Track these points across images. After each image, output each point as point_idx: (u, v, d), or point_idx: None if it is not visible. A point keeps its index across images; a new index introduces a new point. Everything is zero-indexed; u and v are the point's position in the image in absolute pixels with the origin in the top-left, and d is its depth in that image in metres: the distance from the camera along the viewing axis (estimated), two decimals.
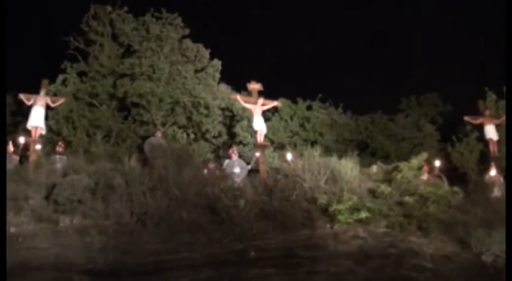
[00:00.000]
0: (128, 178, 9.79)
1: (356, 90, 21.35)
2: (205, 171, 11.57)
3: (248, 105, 12.76)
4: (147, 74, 15.70)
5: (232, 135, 16.78)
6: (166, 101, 15.42)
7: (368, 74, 23.51)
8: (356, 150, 14.88)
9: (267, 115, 16.56)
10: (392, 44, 24.28)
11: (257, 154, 12.18)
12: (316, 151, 10.90)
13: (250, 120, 14.91)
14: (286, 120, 18.02)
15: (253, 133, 13.82)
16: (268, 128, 14.57)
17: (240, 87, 16.29)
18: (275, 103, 13.31)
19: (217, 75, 17.09)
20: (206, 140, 16.19)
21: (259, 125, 12.40)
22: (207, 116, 15.86)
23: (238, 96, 12.95)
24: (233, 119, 16.92)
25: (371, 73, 23.21)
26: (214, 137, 16.42)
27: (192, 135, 15.82)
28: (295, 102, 18.34)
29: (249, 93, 14.11)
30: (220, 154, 16.37)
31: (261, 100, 12.54)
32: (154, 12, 16.34)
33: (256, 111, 12.44)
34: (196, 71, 16.75)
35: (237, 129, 16.61)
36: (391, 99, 18.91)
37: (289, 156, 11.64)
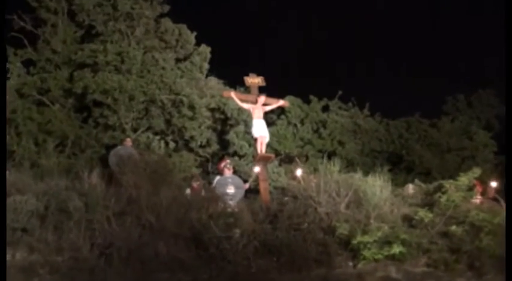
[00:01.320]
0: (87, 200, 9.67)
1: (387, 87, 21.57)
2: (189, 191, 11.46)
3: (246, 105, 12.52)
4: (113, 64, 15.35)
5: (224, 145, 16.50)
6: (139, 99, 15.09)
7: (401, 66, 23.38)
8: (387, 164, 14.85)
9: (270, 118, 16.01)
10: (434, 27, 24.99)
11: (257, 169, 12.00)
12: (335, 165, 10.84)
13: (248, 124, 14.76)
14: (295, 125, 17.57)
15: (252, 142, 13.63)
16: (272, 134, 14.36)
17: (235, 81, 16.02)
18: (281, 102, 13.07)
19: (206, 65, 16.61)
20: (191, 150, 15.94)
21: (260, 131, 12.17)
22: (191, 118, 15.57)
23: (232, 93, 12.63)
24: (226, 123, 16.58)
25: (406, 64, 23.28)
26: (201, 146, 16.11)
27: (172, 144, 15.54)
28: (307, 101, 17.95)
29: (247, 89, 13.97)
30: (209, 168, 16.20)
31: (262, 98, 12.31)
32: None
33: (256, 113, 12.25)
34: (178, 60, 16.57)
35: (231, 136, 16.38)
36: (432, 98, 18.97)
37: (299, 172, 11.43)
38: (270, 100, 12.85)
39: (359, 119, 17.59)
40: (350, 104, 18.07)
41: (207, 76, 16.80)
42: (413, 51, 23.59)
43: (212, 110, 16.45)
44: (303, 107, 18.11)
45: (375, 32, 24.72)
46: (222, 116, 16.72)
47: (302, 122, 18.00)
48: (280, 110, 17.27)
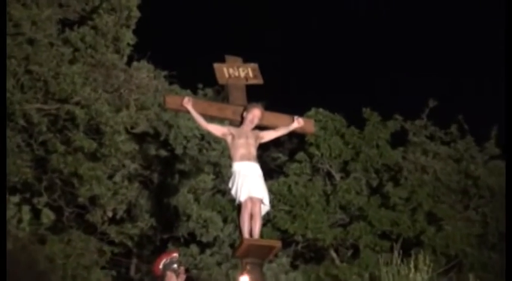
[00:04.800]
0: None
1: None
2: None
3: (219, 130, 8.25)
4: None
5: (167, 219, 14.75)
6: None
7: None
8: None
9: (273, 158, 16.43)
10: None
11: (245, 280, 7.90)
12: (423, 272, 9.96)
13: (222, 171, 14.52)
14: (329, 176, 16.55)
15: (233, 213, 13.10)
16: (275, 195, 14.47)
17: (194, 78, 15.48)
18: (296, 125, 8.80)
19: (130, 34, 13.79)
20: (90, 228, 13.86)
21: (251, 188, 8.19)
22: (94, 158, 13.05)
23: (189, 103, 8.43)
24: (170, 167, 15.23)
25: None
26: (113, 221, 13.88)
27: (49, 216, 12.81)
28: (353, 119, 17.08)
29: (222, 95, 14.50)
30: (132, 272, 15.02)
31: (256, 115, 8.21)
32: None
33: (241, 147, 8.20)
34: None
35: (181, 198, 14.48)
36: None
37: None
38: (273, 118, 8.71)
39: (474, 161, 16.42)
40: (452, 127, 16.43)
41: (131, 60, 14.09)
42: None
43: (141, 137, 14.36)
44: (349, 134, 16.30)
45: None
46: (164, 153, 14.98)
47: (346, 170, 16.25)
48: (298, 140, 16.67)
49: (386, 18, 30.92)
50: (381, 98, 23.87)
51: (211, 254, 14.60)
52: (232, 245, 14.18)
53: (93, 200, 13.60)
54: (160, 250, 13.76)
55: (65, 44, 14.65)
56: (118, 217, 15.21)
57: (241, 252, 8.47)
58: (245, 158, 8.72)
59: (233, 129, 8.95)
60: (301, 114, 11.08)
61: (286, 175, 17.64)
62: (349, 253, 17.18)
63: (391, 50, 29.29)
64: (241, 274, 8.26)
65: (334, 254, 16.68)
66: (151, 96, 14.37)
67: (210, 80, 10.67)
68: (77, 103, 13.98)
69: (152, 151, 15.38)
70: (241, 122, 9.04)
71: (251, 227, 8.63)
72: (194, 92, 16.38)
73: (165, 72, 15.44)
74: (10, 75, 14.21)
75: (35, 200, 13.19)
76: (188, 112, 9.28)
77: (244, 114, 9.00)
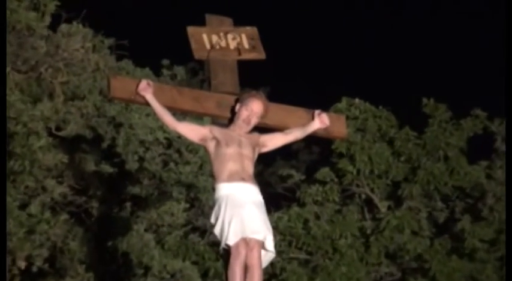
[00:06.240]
0: None
1: None
2: None
3: (195, 134, 8.88)
4: None
5: (118, 275, 15.61)
6: None
7: None
8: None
9: (282, 177, 17.66)
10: None
11: None
12: None
13: (201, 193, 15.52)
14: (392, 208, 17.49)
15: (220, 258, 12.73)
16: (288, 233, 16.03)
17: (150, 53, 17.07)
18: (319, 123, 9.27)
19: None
20: None
21: (250, 226, 8.48)
22: (5, 175, 13.26)
23: (147, 89, 9.01)
24: (122, 188, 16.45)
25: None
26: (29, 274, 14.85)
27: None
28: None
29: (203, 73, 15.48)
30: None
31: (256, 107, 8.77)
32: None
33: (230, 158, 8.74)
34: None
35: (134, 240, 15.04)
36: None
37: None
38: (282, 115, 9.14)
39: None
40: None
41: (57, 22, 14.57)
42: None
43: (72, 143, 14.93)
44: (402, 139, 17.07)
45: None
46: (109, 168, 15.34)
47: (396, 196, 16.75)
48: (320, 149, 16.86)
49: None
50: (451, 85, 22.68)
51: None
52: None
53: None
54: None
55: None
56: (35, 269, 15.02)
57: None
58: (237, 177, 8.53)
59: (218, 132, 8.72)
60: (326, 107, 11.84)
61: (302, 204, 16.67)
62: None
63: None
64: None
65: None
66: (89, 78, 14.72)
67: (182, 53, 10.62)
68: None
69: (90, 166, 15.43)
70: (230, 121, 9.04)
71: None
72: (156, 72, 15.85)
73: (110, 41, 15.29)
74: None
75: None
76: (147, 104, 8.97)
77: (237, 108, 8.87)
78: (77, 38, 15.37)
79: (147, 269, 16.02)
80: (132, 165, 15.87)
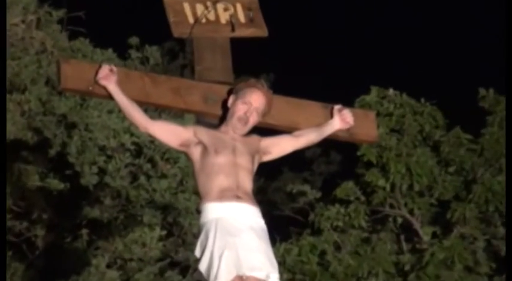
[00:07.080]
0: None
1: None
2: None
3: (174, 137, 9.45)
4: None
5: None
6: None
7: None
8: None
9: (290, 194, 18.64)
10: None
11: None
12: None
13: (182, 216, 17.32)
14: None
15: None
16: (298, 269, 17.88)
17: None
18: (339, 122, 9.89)
19: None
20: None
21: (248, 260, 9.18)
22: None
23: (110, 77, 8.98)
24: (76, 211, 17.99)
25: None
26: None
27: None
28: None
29: (185, 56, 17.32)
30: None
31: (252, 104, 9.47)
32: None
33: (220, 170, 9.33)
34: None
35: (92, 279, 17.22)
36: None
37: None
38: (290, 112, 9.66)
39: None
40: None
41: None
42: None
43: (8, 150, 16.53)
44: (451, 143, 18.77)
45: None
46: (58, 184, 16.83)
47: (444, 220, 17.97)
48: (341, 156, 19.41)
49: None
50: None
51: None
52: None
53: None
54: None
55: None
56: None
57: None
58: (230, 194, 7.90)
59: (205, 134, 8.29)
60: (348, 101, 11.78)
61: (317, 231, 17.48)
62: None
63: None
64: None
65: None
66: (32, 63, 14.88)
67: (156, 29, 10.54)
68: None
69: (33, 180, 14.95)
70: (221, 119, 8.87)
71: None
72: (121, 54, 15.87)
73: (60, 13, 16.02)
74: None
75: None
76: (109, 97, 9.25)
77: (229, 102, 8.36)
78: (16, 9, 15.26)
79: None
80: (89, 179, 15.20)
